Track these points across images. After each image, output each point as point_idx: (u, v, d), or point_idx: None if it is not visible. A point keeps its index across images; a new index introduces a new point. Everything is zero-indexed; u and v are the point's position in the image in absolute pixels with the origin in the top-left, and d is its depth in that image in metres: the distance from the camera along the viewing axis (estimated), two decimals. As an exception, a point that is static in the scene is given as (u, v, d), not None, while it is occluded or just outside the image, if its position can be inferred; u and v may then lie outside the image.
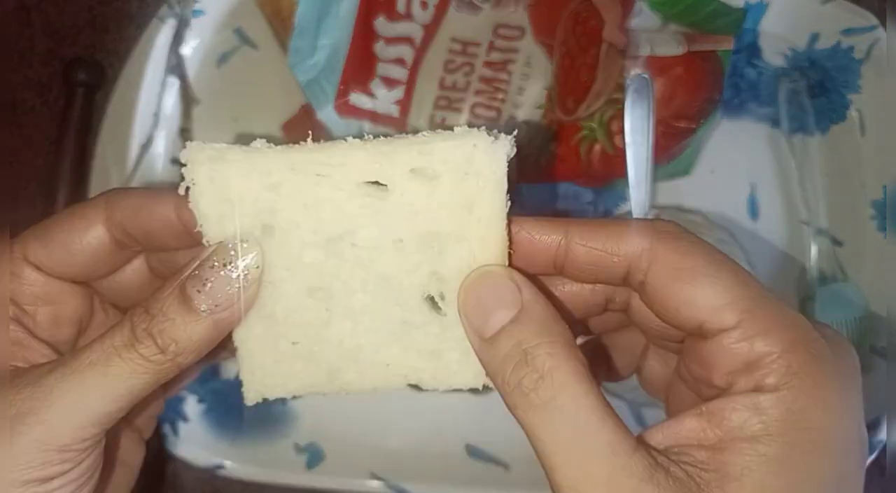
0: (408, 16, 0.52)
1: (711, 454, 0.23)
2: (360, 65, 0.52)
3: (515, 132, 0.28)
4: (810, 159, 0.54)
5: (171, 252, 0.31)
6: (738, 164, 0.56)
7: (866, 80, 0.55)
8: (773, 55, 0.56)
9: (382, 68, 0.52)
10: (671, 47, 0.50)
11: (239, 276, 0.27)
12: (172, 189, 0.29)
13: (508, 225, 0.28)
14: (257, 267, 0.28)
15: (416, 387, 0.32)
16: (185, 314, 0.27)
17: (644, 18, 0.51)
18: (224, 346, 0.30)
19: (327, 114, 0.52)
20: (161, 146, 0.55)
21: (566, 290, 0.29)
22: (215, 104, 0.55)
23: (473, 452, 0.54)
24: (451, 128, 0.43)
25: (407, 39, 0.52)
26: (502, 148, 0.28)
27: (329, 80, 0.51)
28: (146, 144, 0.54)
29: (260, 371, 0.31)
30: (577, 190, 0.55)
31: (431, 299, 0.30)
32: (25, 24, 0.58)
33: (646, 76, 0.49)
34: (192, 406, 0.55)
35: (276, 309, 0.30)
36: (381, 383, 0.32)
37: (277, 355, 0.31)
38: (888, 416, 0.52)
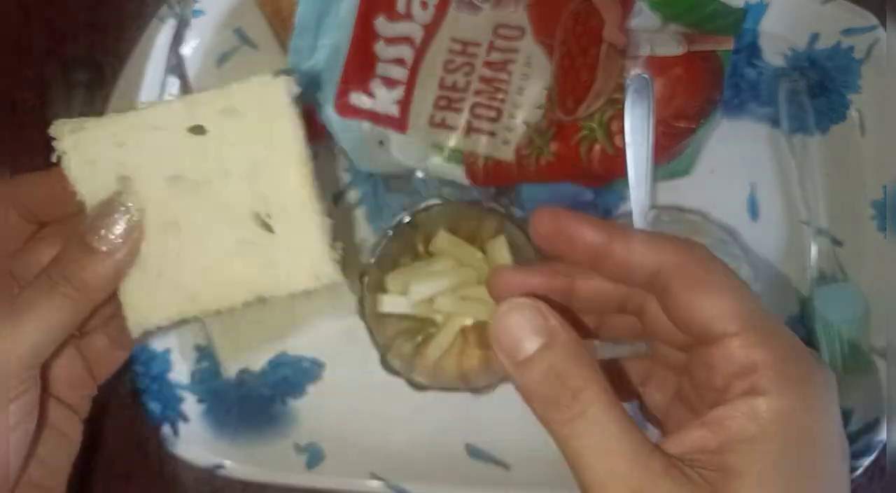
0: (408, 16, 0.52)
1: (715, 458, 0.26)
2: (360, 65, 0.52)
3: (294, 75, 0.36)
4: (810, 159, 0.54)
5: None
6: (738, 164, 0.56)
7: (866, 81, 0.55)
8: (773, 55, 0.56)
9: (382, 68, 0.52)
10: (671, 47, 0.50)
11: (126, 218, 0.35)
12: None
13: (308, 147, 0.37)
14: (138, 210, 0.35)
15: (262, 300, 0.37)
16: (90, 257, 0.34)
17: (644, 18, 0.51)
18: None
19: (327, 114, 0.52)
20: (161, 146, 0.55)
21: (590, 285, 0.32)
22: (215, 104, 0.55)
23: (473, 452, 0.54)
24: (451, 128, 0.48)
25: (407, 39, 0.52)
26: (284, 84, 0.36)
27: (329, 80, 0.51)
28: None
29: (137, 306, 0.36)
30: (577, 190, 0.55)
31: (258, 217, 0.37)
32: (25, 23, 0.58)
33: (646, 76, 0.49)
34: (191, 406, 0.55)
35: (142, 248, 0.36)
36: (234, 299, 0.37)
37: (148, 288, 0.36)
38: (888, 416, 0.53)
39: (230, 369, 0.53)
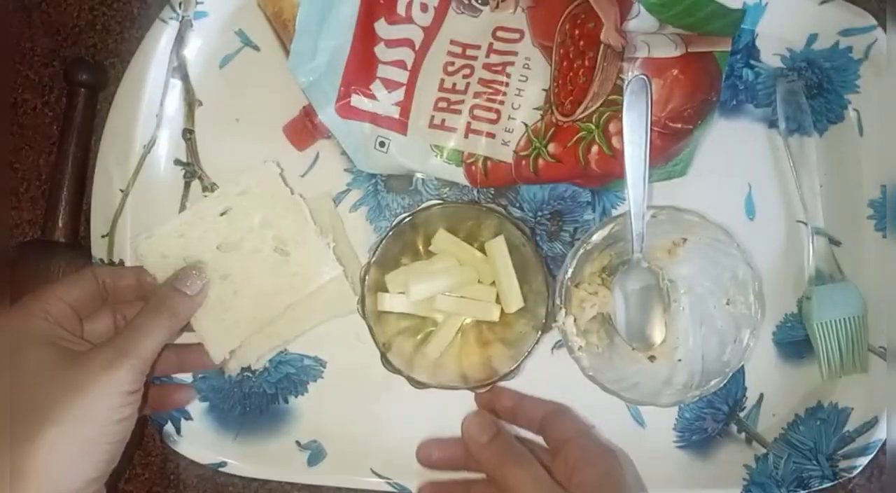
0: (408, 18, 0.52)
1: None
2: (360, 67, 0.52)
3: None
4: (808, 159, 0.54)
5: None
6: (736, 164, 0.56)
7: (865, 81, 0.55)
8: (771, 56, 0.56)
9: (383, 70, 0.52)
10: (669, 49, 0.50)
11: (198, 275, 0.50)
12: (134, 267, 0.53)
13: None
14: (204, 272, 0.51)
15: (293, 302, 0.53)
16: (180, 296, 0.49)
17: (642, 20, 0.51)
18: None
19: (328, 115, 0.52)
20: (163, 147, 0.55)
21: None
22: (217, 105, 0.56)
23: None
24: (451, 129, 0.48)
25: (407, 42, 0.52)
26: (272, 167, 0.53)
27: (330, 82, 0.52)
28: (149, 145, 0.55)
29: (216, 339, 0.52)
30: (576, 190, 0.55)
31: (277, 249, 0.53)
32: (27, 24, 0.58)
33: (643, 78, 0.49)
34: (194, 405, 0.55)
35: (209, 297, 0.52)
36: (276, 309, 0.53)
37: (221, 323, 0.52)
38: (887, 415, 0.53)
39: (232, 368, 0.54)
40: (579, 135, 0.51)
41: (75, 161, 0.56)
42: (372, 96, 0.52)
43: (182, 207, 0.56)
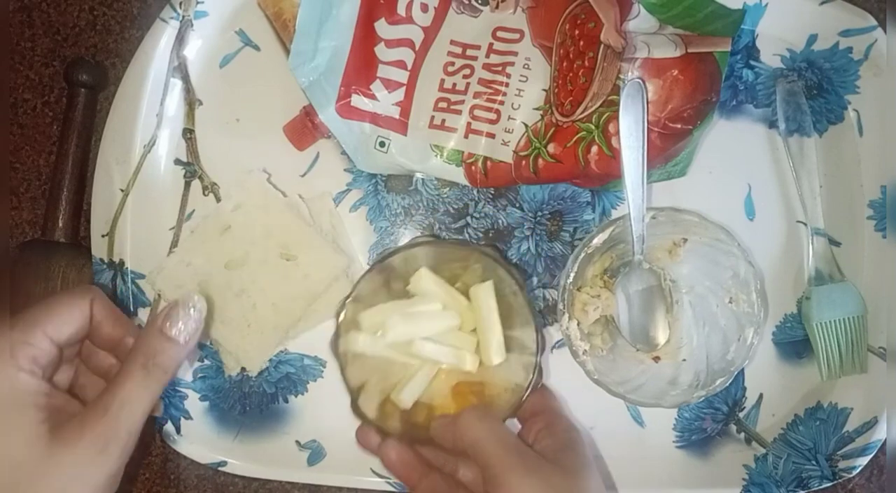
0: (408, 18, 0.52)
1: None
2: (360, 67, 0.52)
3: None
4: (808, 160, 0.54)
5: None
6: (736, 164, 0.56)
7: (864, 81, 0.55)
8: (771, 56, 0.56)
9: (383, 70, 0.52)
10: (669, 49, 0.50)
11: (195, 313, 0.44)
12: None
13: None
14: (203, 303, 0.44)
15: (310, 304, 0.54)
16: (172, 346, 0.43)
17: (641, 20, 0.51)
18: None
19: (328, 115, 0.52)
20: (164, 147, 0.55)
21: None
22: (217, 105, 0.56)
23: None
24: (451, 129, 0.47)
25: (407, 42, 0.52)
26: (258, 175, 0.54)
27: (330, 82, 0.52)
28: (149, 145, 0.55)
29: (243, 354, 0.54)
30: (576, 190, 0.55)
31: (284, 256, 0.53)
32: (27, 24, 0.58)
33: (639, 81, 0.50)
34: (194, 404, 0.55)
35: (227, 314, 0.54)
36: (297, 312, 0.53)
37: (245, 338, 0.53)
38: (886, 416, 0.53)
39: (232, 368, 0.54)
40: (579, 135, 0.51)
41: (75, 161, 0.56)
42: (372, 96, 0.52)
43: (182, 207, 0.56)
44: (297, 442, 0.55)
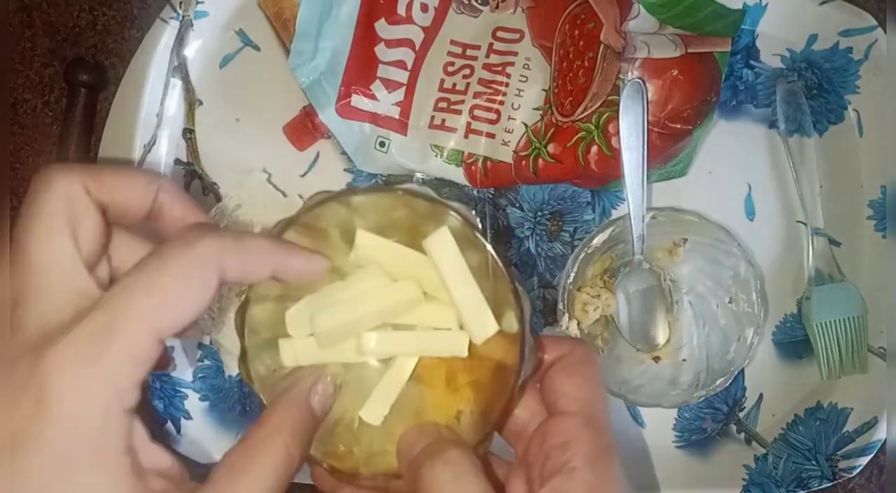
0: (408, 18, 0.52)
1: None
2: (360, 67, 0.52)
3: None
4: (808, 160, 0.54)
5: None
6: (736, 164, 0.56)
7: (864, 81, 0.55)
8: (771, 56, 0.56)
9: (383, 70, 0.52)
10: (668, 49, 0.50)
11: (333, 386, 0.35)
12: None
13: None
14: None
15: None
16: (313, 419, 0.33)
17: (641, 20, 0.51)
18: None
19: (328, 115, 0.52)
20: (164, 147, 0.55)
21: None
22: (217, 105, 0.56)
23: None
24: (451, 129, 0.47)
25: (407, 42, 0.52)
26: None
27: (330, 82, 0.52)
28: (149, 145, 0.55)
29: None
30: (576, 190, 0.55)
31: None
32: (27, 24, 0.58)
33: (639, 82, 0.50)
34: (194, 404, 0.55)
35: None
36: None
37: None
38: (886, 416, 0.53)
39: (232, 368, 0.54)
40: (579, 135, 0.51)
41: (75, 161, 0.56)
42: (372, 96, 0.52)
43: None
44: (297, 442, 0.55)
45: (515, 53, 0.52)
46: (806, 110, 0.54)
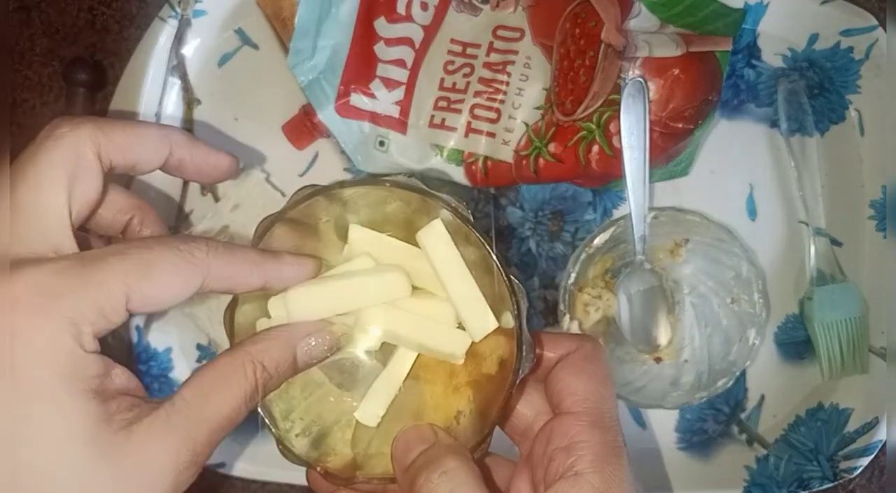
0: (408, 17, 0.52)
1: None
2: (360, 66, 0.52)
3: None
4: (809, 160, 0.54)
5: None
6: (738, 164, 0.56)
7: (865, 81, 0.55)
8: (773, 56, 0.56)
9: (382, 69, 0.52)
10: (669, 48, 0.50)
11: (333, 348, 0.34)
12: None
13: None
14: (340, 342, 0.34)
15: None
16: (288, 371, 0.33)
17: (642, 19, 0.51)
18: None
19: (328, 115, 0.52)
20: (162, 146, 0.55)
21: None
22: (216, 104, 0.56)
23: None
24: (451, 128, 0.47)
25: (407, 40, 0.52)
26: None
27: (329, 81, 0.52)
28: (147, 145, 0.54)
29: None
30: (577, 190, 0.55)
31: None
32: (25, 23, 0.58)
33: (640, 80, 0.49)
34: (192, 405, 0.55)
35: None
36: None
37: None
38: (887, 416, 0.53)
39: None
40: (580, 134, 0.51)
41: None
42: (371, 95, 0.52)
43: (181, 207, 0.55)
44: (297, 443, 0.55)
45: (516, 52, 0.52)
46: (807, 110, 0.54)
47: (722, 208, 0.54)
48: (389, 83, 0.52)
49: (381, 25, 0.52)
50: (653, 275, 0.52)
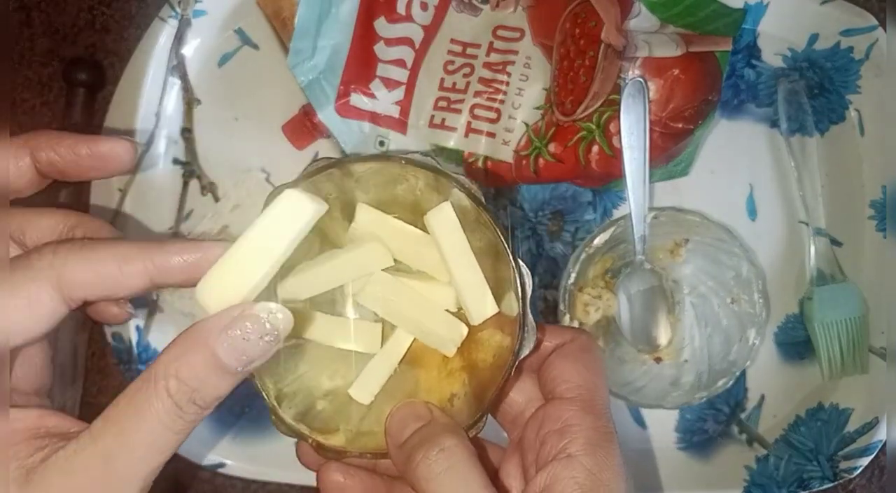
0: (408, 17, 0.52)
1: None
2: (360, 66, 0.52)
3: None
4: (809, 160, 0.54)
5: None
6: (738, 164, 0.56)
7: (865, 81, 0.55)
8: (773, 56, 0.56)
9: (382, 69, 0.52)
10: (669, 48, 0.50)
11: (272, 328, 0.29)
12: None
13: None
14: (287, 320, 0.29)
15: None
16: (220, 376, 0.29)
17: (642, 19, 0.51)
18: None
19: (328, 115, 0.52)
20: (162, 146, 0.55)
21: None
22: (216, 104, 0.56)
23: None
24: (451, 128, 0.47)
25: (407, 40, 0.52)
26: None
27: (329, 81, 0.52)
28: (147, 144, 0.55)
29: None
30: (577, 190, 0.55)
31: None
32: (26, 23, 0.58)
33: (640, 81, 0.49)
34: (192, 405, 0.55)
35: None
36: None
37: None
38: (887, 416, 0.53)
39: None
40: (580, 134, 0.51)
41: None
42: (371, 95, 0.52)
43: (181, 207, 0.55)
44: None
45: (516, 52, 0.52)
46: (807, 110, 0.54)
47: (722, 208, 0.54)
48: (389, 83, 0.52)
49: (381, 25, 0.52)
50: (653, 275, 0.52)
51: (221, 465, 0.54)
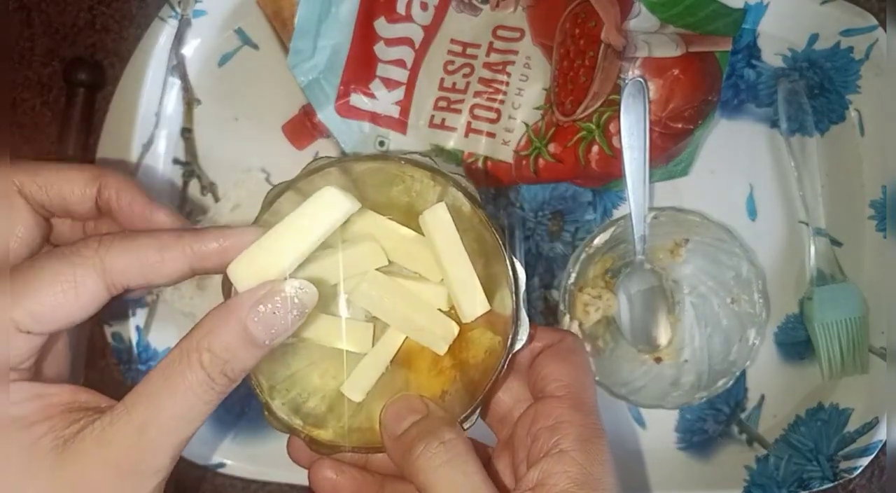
0: (408, 17, 0.52)
1: None
2: (360, 66, 0.52)
3: None
4: (809, 160, 0.54)
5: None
6: (738, 164, 0.56)
7: (865, 81, 0.55)
8: (773, 56, 0.56)
9: (382, 69, 0.52)
10: (669, 48, 0.50)
11: (300, 303, 0.30)
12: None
13: None
14: (313, 295, 0.31)
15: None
16: (249, 349, 0.30)
17: (642, 19, 0.51)
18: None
19: (327, 114, 0.52)
20: (162, 146, 0.55)
21: None
22: (216, 104, 0.56)
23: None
24: (451, 129, 0.47)
25: (407, 40, 0.52)
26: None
27: (329, 80, 0.52)
28: (147, 144, 0.54)
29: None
30: (577, 190, 0.55)
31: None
32: (26, 24, 0.58)
33: (640, 81, 0.49)
34: (192, 405, 0.55)
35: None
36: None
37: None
38: (887, 416, 0.53)
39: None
40: (579, 135, 0.51)
41: (74, 161, 0.55)
42: (371, 95, 0.52)
43: (180, 207, 0.55)
44: (297, 443, 0.55)
45: (516, 52, 0.52)
46: (807, 110, 0.54)
47: (722, 208, 0.54)
48: (389, 83, 0.52)
49: (381, 25, 0.52)
50: (653, 275, 0.52)
51: (222, 465, 0.54)
